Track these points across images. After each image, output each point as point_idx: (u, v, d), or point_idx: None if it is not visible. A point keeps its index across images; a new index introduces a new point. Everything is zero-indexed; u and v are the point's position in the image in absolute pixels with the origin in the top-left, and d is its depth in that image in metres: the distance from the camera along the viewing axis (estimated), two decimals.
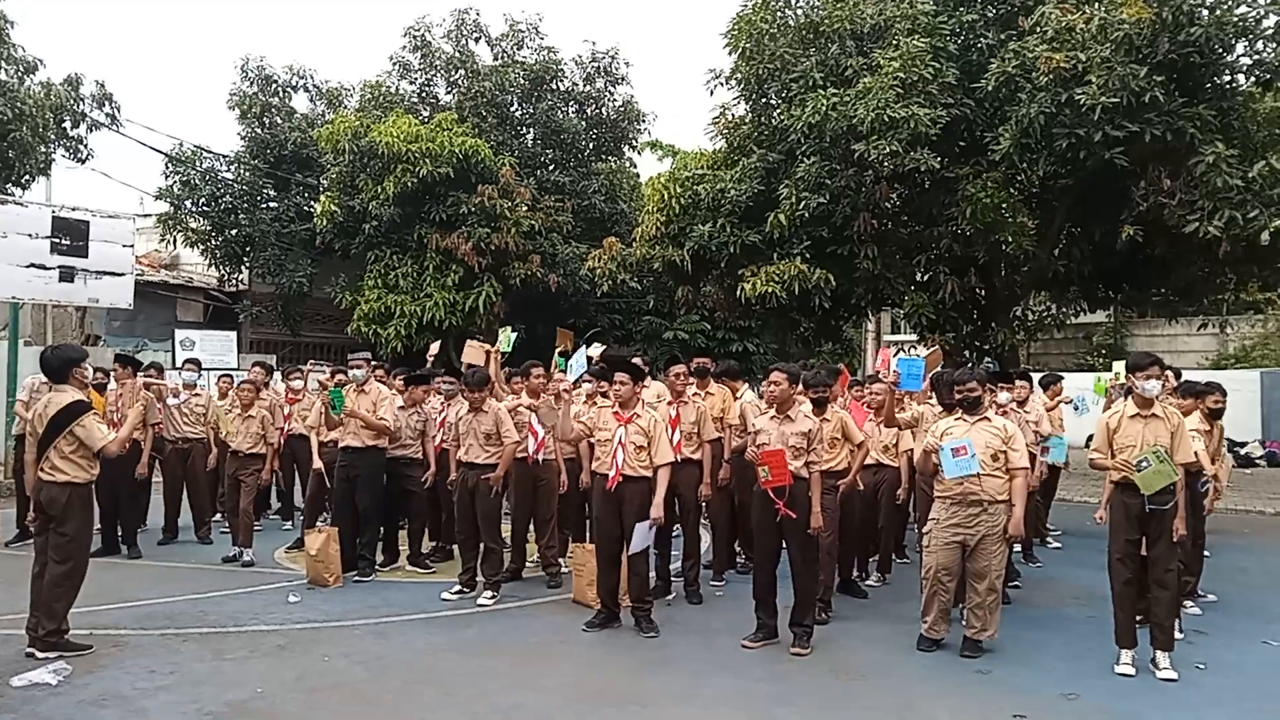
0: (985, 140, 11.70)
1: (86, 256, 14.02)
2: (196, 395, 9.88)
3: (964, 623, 6.01)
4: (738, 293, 12.83)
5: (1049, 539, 9.69)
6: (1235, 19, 10.49)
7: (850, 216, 12.37)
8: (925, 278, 13.38)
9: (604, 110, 21.32)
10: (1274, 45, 10.98)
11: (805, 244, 12.54)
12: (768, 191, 12.96)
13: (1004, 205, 11.67)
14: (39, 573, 5.82)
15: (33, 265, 13.51)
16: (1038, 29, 11.04)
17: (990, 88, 11.26)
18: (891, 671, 5.68)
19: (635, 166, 22.58)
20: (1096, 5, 10.99)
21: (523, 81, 20.06)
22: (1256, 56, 11.23)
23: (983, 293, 13.60)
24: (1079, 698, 5.15)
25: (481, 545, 7.31)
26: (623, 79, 21.30)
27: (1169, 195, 10.54)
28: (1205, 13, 10.38)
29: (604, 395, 7.27)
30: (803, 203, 12.16)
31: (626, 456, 6.35)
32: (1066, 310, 15.02)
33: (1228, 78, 11.30)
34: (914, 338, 16.50)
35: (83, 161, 17.61)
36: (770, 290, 12.26)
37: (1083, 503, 11.98)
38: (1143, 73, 10.00)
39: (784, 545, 6.13)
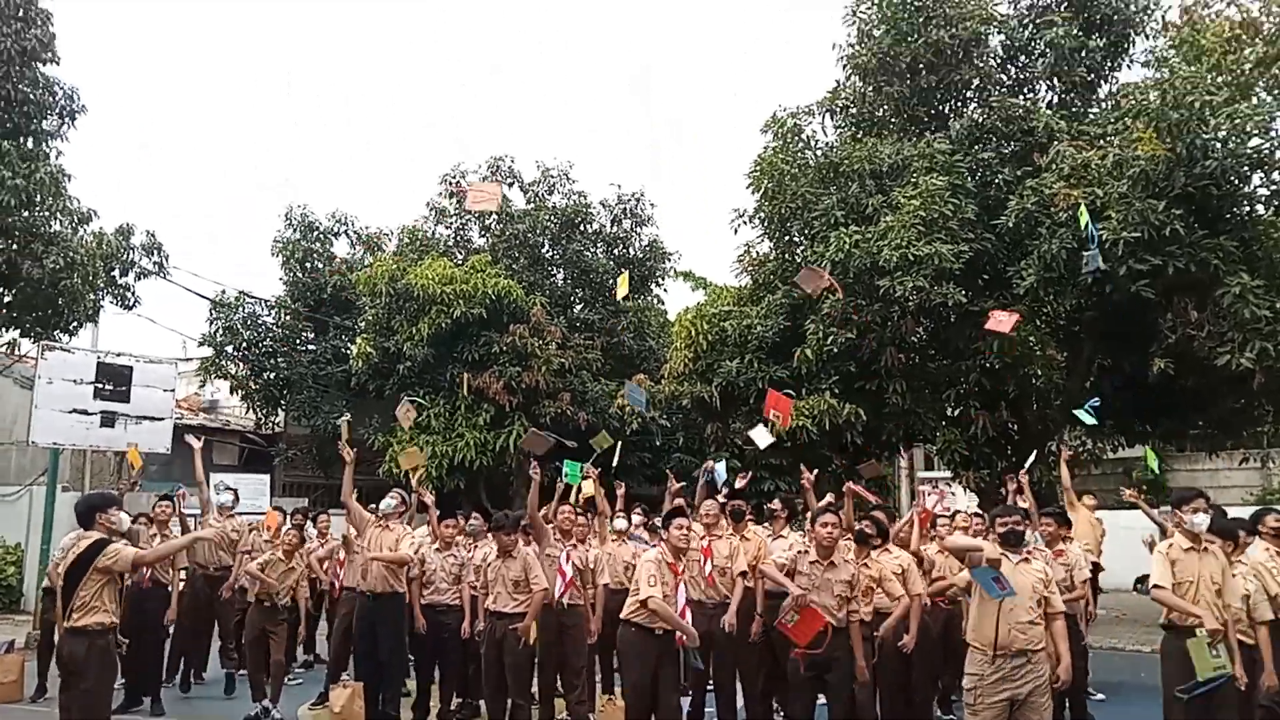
0: (1009, 275, 11.80)
1: (128, 402, 14.37)
2: (232, 518, 9.80)
3: None
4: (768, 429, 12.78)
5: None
6: (1249, 151, 10.65)
7: (877, 351, 12.40)
8: (956, 413, 13.25)
9: (631, 250, 21.85)
10: None
11: (834, 379, 12.55)
12: (794, 327, 13.09)
13: (1030, 339, 11.66)
14: None
15: (75, 411, 13.85)
16: (1053, 166, 11.28)
17: (1010, 224, 11.44)
18: None
19: (663, 303, 22.97)
20: (1110, 141, 11.23)
21: (553, 224, 20.69)
22: (1274, 186, 11.37)
23: (1015, 427, 13.42)
24: None
25: (509, 702, 7.05)
26: (649, 220, 21.90)
27: (1198, 327, 10.48)
28: (1219, 146, 10.56)
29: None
30: (830, 338, 12.25)
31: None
32: (1103, 445, 14.74)
33: (1247, 208, 11.40)
34: (948, 474, 16.22)
35: (130, 308, 18.22)
36: (800, 424, 12.20)
37: (1134, 651, 11.34)
38: (1161, 206, 10.12)
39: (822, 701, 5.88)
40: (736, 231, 14.59)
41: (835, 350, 12.27)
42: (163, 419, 14.81)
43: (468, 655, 8.22)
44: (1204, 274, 10.34)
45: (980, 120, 13.00)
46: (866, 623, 6.26)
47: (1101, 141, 11.47)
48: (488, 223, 21.30)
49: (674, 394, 14.15)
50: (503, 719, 7.09)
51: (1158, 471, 9.41)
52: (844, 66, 14.42)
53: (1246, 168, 10.75)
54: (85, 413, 13.93)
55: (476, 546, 8.34)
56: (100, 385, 14.16)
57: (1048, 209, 11.07)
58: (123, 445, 15.04)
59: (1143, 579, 6.05)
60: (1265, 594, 5.76)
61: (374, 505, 8.70)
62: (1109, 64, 13.62)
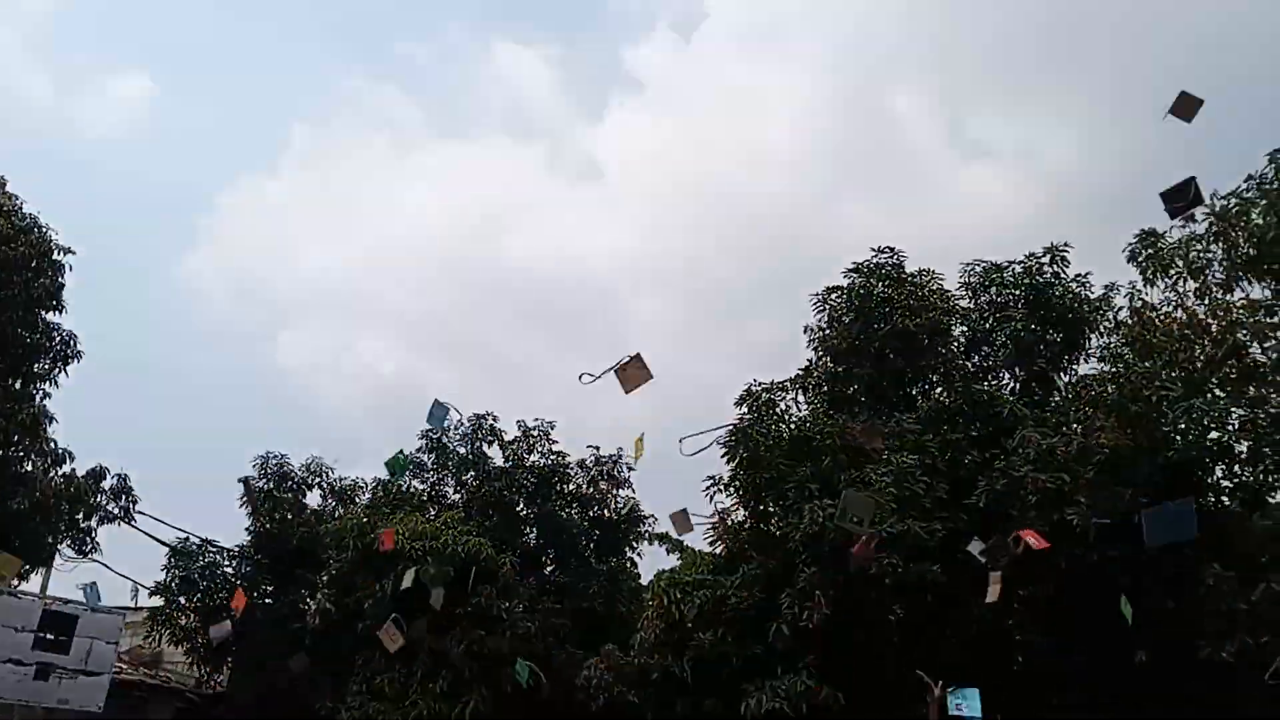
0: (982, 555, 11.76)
1: (68, 653, 13.69)
2: None
3: None
4: (742, 709, 12.19)
5: None
6: (1209, 443, 11.04)
7: (855, 628, 12.09)
8: (940, 692, 12.73)
9: (606, 511, 21.75)
10: (1249, 469, 11.45)
11: (810, 658, 12.13)
12: (769, 599, 12.81)
13: (1009, 621, 11.44)
14: None
15: (10, 660, 13.13)
16: (1020, 450, 11.58)
17: (981, 504, 11.57)
18: None
19: (636, 566, 22.56)
20: (1074, 429, 11.63)
21: (530, 482, 20.69)
22: (1237, 479, 11.67)
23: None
24: None
25: None
26: (625, 482, 21.97)
27: (1174, 617, 10.36)
28: (1178, 438, 10.95)
29: None
30: (805, 613, 11.97)
31: None
32: None
33: (1213, 499, 11.63)
34: None
35: (86, 554, 17.66)
36: (776, 706, 11.67)
37: None
38: (1128, 494, 10.32)
39: None
40: (711, 499, 14.65)
41: (809, 626, 11.94)
42: (101, 674, 14.03)
43: None
44: (1176, 562, 10.37)
45: (947, 403, 13.51)
46: None
47: (1064, 429, 11.88)
48: (465, 479, 21.29)
49: (645, 666, 13.58)
50: None
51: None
52: (815, 348, 15.16)
53: (1207, 460, 11.10)
54: (20, 663, 13.22)
55: None
56: (41, 635, 13.56)
57: (1016, 490, 11.25)
58: (52, 701, 14.12)
59: None
60: None
61: None
62: (1066, 357, 14.37)
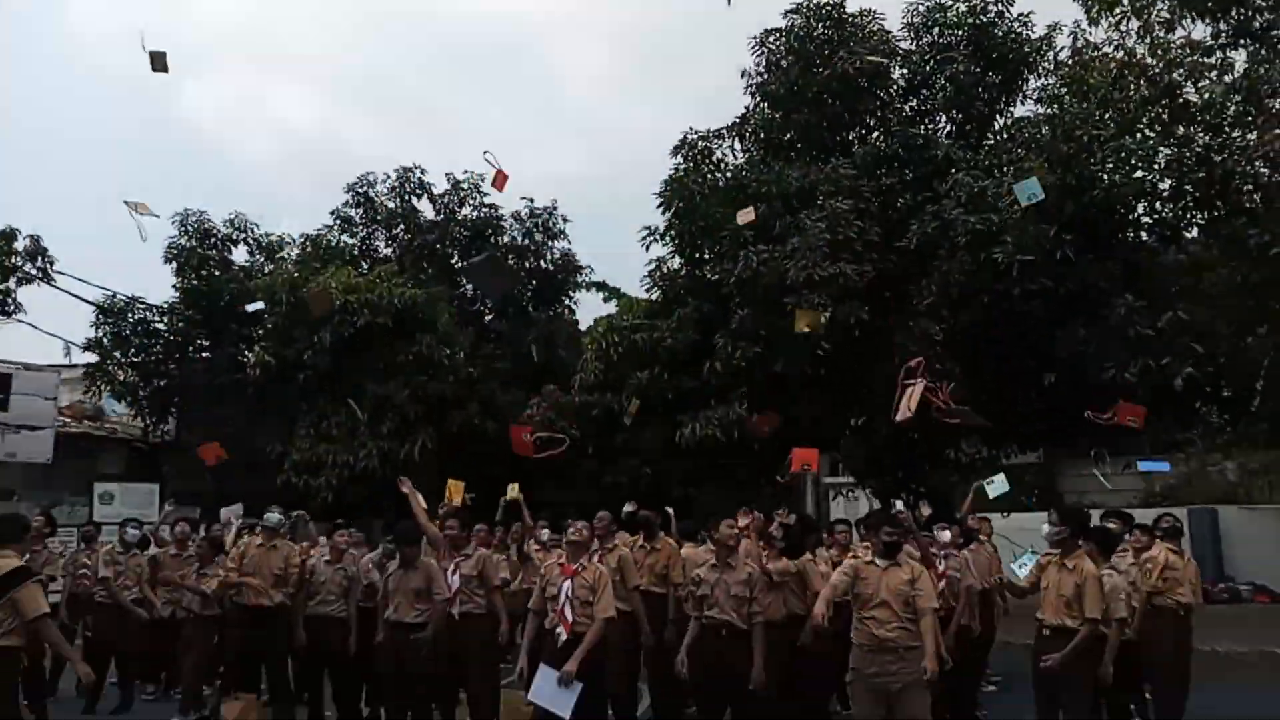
0: (910, 293, 12.20)
1: (6, 410, 13.70)
2: (135, 556, 9.38)
3: None
4: (677, 437, 12.91)
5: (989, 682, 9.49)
6: (1133, 181, 11.31)
7: (785, 364, 12.65)
8: (860, 422, 13.62)
9: (542, 262, 21.79)
10: (1170, 206, 11.83)
11: (742, 390, 12.75)
12: (704, 339, 13.25)
13: (930, 354, 12.06)
14: None
15: None
16: (952, 193, 11.73)
17: (913, 246, 11.84)
18: None
19: (574, 314, 22.94)
20: (1005, 171, 11.76)
21: (464, 234, 20.47)
22: (1157, 215, 12.07)
23: (917, 436, 13.87)
24: None
25: (409, 713, 6.91)
26: (561, 233, 21.89)
27: (1086, 344, 11.03)
28: (1105, 177, 11.18)
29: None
30: (738, 351, 12.44)
31: (574, 612, 6.16)
32: (998, 452, 15.35)
33: (1132, 234, 12.07)
34: (851, 480, 16.65)
35: (10, 315, 17.27)
36: (709, 433, 12.38)
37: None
38: (1052, 232, 10.64)
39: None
40: (648, 248, 14.74)
41: (744, 364, 12.46)
42: (43, 428, 14.12)
43: (363, 666, 8.01)
44: (1093, 295, 10.90)
45: (883, 148, 13.45)
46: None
47: (997, 171, 12.00)
48: (395, 233, 20.95)
49: (584, 404, 14.15)
50: None
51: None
52: (752, 93, 14.75)
53: (1131, 197, 11.40)
54: None
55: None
56: None
57: (947, 232, 11.51)
58: (0, 455, 14.26)
59: None
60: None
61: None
62: (1004, 99, 14.27)
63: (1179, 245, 12.07)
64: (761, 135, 14.87)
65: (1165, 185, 11.61)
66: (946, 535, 7.67)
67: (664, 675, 7.52)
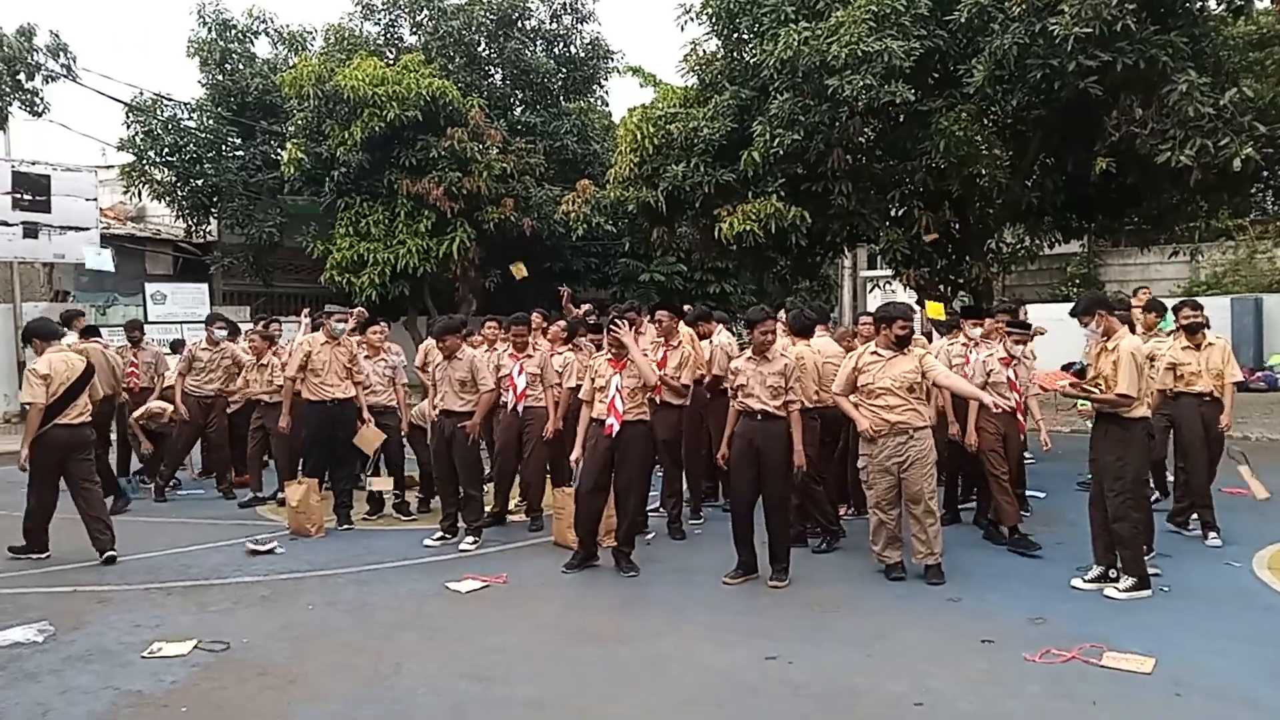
0: (959, 72, 11.56)
1: (49, 211, 13.86)
2: (219, 350, 9.76)
3: (913, 551, 6.16)
4: (714, 233, 12.76)
5: None
6: None
7: (824, 153, 12.24)
8: (900, 213, 13.32)
9: (572, 49, 20.96)
10: None
11: (780, 182, 12.43)
12: (741, 129, 12.79)
13: (978, 138, 11.57)
14: None
15: None
16: None
17: (963, 19, 11.10)
18: (865, 602, 5.81)
19: (607, 105, 22.30)
20: None
21: (489, 20, 19.62)
22: None
23: (957, 227, 13.59)
24: (1045, 622, 5.29)
25: (461, 491, 7.34)
26: (590, 16, 20.91)
27: (1141, 124, 10.49)
28: None
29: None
30: (777, 140, 12.02)
31: (624, 402, 6.38)
32: (1040, 242, 15.06)
33: (1199, 4, 11.21)
34: (889, 273, 16.53)
35: (40, 114, 17.14)
36: (747, 229, 12.19)
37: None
38: (1114, 1, 9.89)
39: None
40: (683, 28, 13.99)
41: (782, 152, 12.08)
42: (88, 228, 14.34)
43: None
44: (1152, 71, 10.26)
45: None
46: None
47: None
48: (419, 19, 20.13)
49: (619, 199, 13.95)
50: (454, 508, 7.39)
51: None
52: None
53: None
54: (5, 224, 13.42)
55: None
56: (18, 195, 13.59)
57: (1001, 3, 10.74)
58: (48, 256, 14.61)
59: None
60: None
61: (318, 314, 8.87)
62: None
63: (1249, 16, 11.19)
64: None
65: None
66: (977, 332, 7.70)
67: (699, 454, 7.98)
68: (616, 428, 6.35)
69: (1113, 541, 5.76)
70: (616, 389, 6.39)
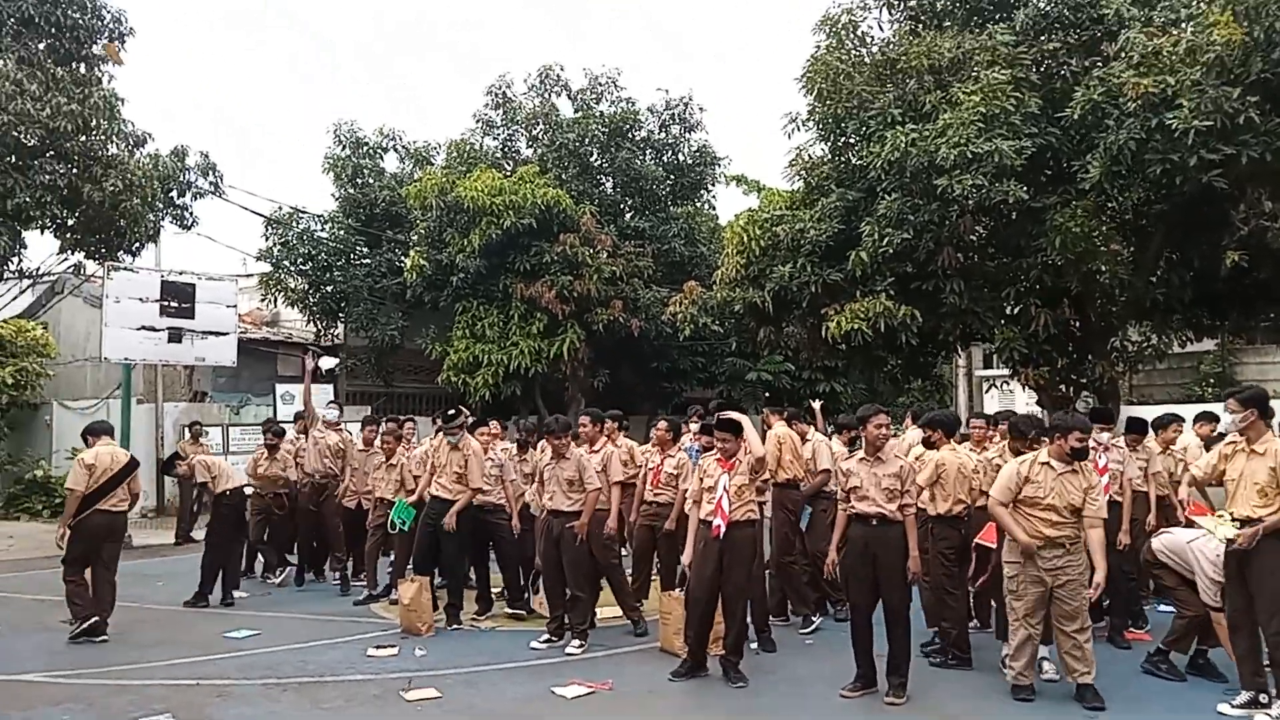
0: (1073, 169, 11.37)
1: (193, 318, 14.79)
2: (338, 430, 10.22)
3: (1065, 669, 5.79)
4: (822, 331, 12.68)
5: None
6: None
7: (934, 251, 12.11)
8: (1015, 310, 12.98)
9: (680, 156, 21.56)
10: None
11: (889, 280, 12.32)
12: (848, 230, 12.82)
13: (1096, 234, 11.29)
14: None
15: (143, 328, 14.31)
16: (1123, 54, 10.74)
17: (1076, 116, 10.98)
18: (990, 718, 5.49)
19: (714, 209, 22.73)
20: (1184, 28, 10.65)
21: (602, 132, 20.43)
22: None
23: (1078, 324, 13.14)
24: None
25: (569, 593, 7.33)
26: (698, 125, 21.53)
27: (1272, 217, 10.09)
28: None
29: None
30: (885, 239, 11.97)
31: (731, 501, 6.31)
32: (1169, 340, 14.40)
33: None
34: (1006, 372, 16.03)
35: (188, 228, 18.55)
36: (855, 327, 12.08)
37: None
38: (1236, 94, 9.61)
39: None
40: (790, 136, 14.23)
41: (890, 251, 12.01)
42: (227, 333, 15.24)
43: (524, 552, 8.55)
44: (1279, 163, 9.89)
45: (1046, 9, 12.37)
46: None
47: (1174, 28, 10.87)
48: (535, 133, 21.13)
49: (726, 299, 14.07)
50: (562, 610, 7.37)
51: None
52: None
53: None
54: (153, 329, 14.39)
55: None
56: (165, 303, 14.58)
57: (1115, 99, 10.57)
58: (190, 359, 15.57)
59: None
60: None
61: (438, 415, 9.13)
62: None
63: None
64: (911, 4, 13.95)
65: None
66: (1105, 436, 7.32)
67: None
68: (724, 529, 6.27)
69: (1264, 664, 5.30)
70: (724, 489, 6.32)
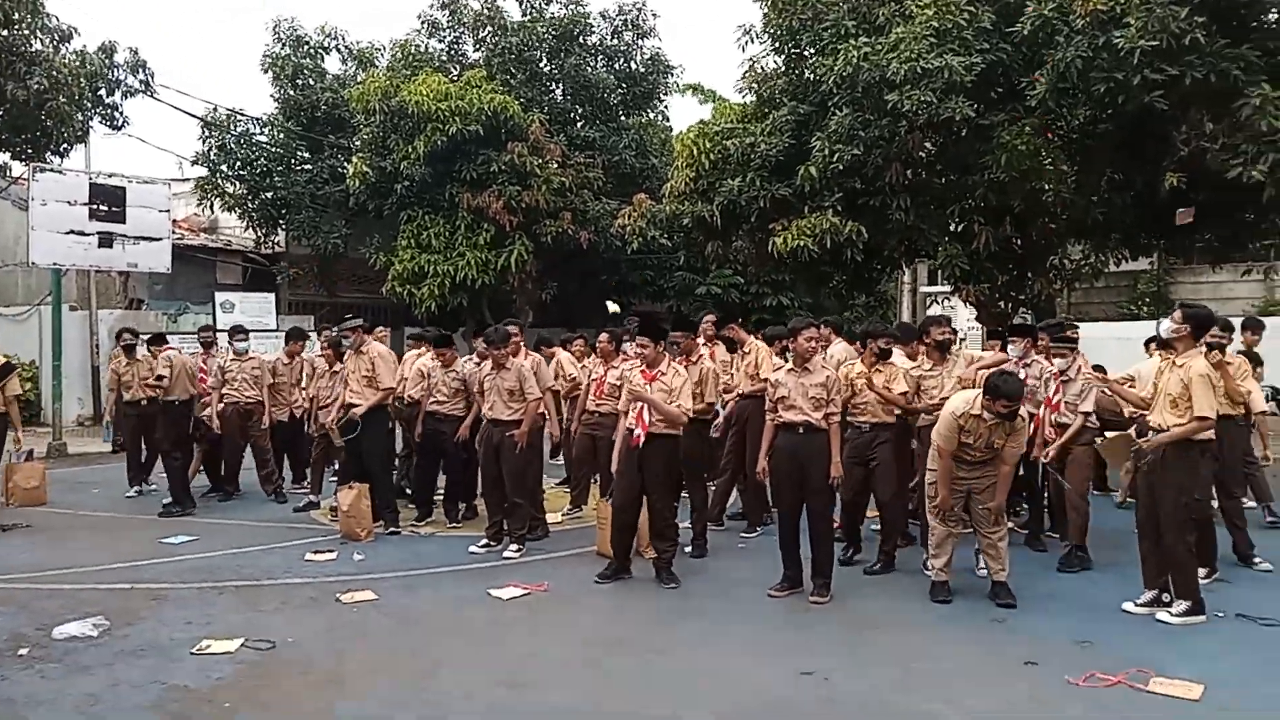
0: (1021, 86, 11.36)
1: (124, 222, 14.32)
2: (250, 360, 10.00)
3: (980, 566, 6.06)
4: (769, 247, 12.69)
5: None
6: None
7: (883, 168, 12.12)
8: (960, 228, 13.09)
9: (632, 64, 21.10)
10: None
11: (837, 196, 12.33)
12: (799, 145, 12.74)
13: (1041, 152, 11.34)
14: None
15: (72, 232, 13.84)
16: None
17: (1026, 32, 10.91)
18: (907, 620, 5.71)
19: (666, 120, 22.39)
20: None
21: (551, 36, 19.88)
22: None
23: (1019, 242, 13.30)
24: (1092, 645, 5.14)
25: (509, 499, 7.40)
26: (650, 31, 21.05)
27: (1212, 139, 10.17)
28: None
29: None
30: (835, 155, 11.94)
31: (651, 414, 6.37)
32: (1107, 259, 14.66)
33: (1273, 16, 10.84)
34: (948, 289, 16.26)
35: (119, 128, 17.79)
36: (802, 244, 12.11)
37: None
38: (1183, 13, 9.60)
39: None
40: (743, 48, 13.99)
41: (840, 167, 11.98)
42: (160, 239, 14.81)
43: (469, 460, 8.54)
44: (1223, 85, 9.93)
45: None
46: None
47: None
48: (483, 36, 20.48)
49: (675, 213, 13.99)
50: (500, 516, 7.46)
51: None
52: None
53: None
54: (82, 233, 13.93)
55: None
56: (95, 206, 14.09)
57: (1065, 16, 10.53)
58: (123, 265, 15.13)
59: None
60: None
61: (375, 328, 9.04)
62: None
63: None
64: None
65: None
66: (1013, 350, 7.33)
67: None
68: (643, 439, 6.35)
69: (1165, 564, 5.57)
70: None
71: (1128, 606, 5.70)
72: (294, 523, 8.74)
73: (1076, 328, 7.96)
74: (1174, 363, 5.62)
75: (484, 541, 7.50)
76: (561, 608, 6.04)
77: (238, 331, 10.24)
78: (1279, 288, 18.99)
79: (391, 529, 8.15)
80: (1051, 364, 7.15)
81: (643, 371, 6.50)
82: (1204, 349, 5.80)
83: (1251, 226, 12.61)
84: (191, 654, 5.14)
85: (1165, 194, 11.06)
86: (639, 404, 6.40)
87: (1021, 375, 6.49)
